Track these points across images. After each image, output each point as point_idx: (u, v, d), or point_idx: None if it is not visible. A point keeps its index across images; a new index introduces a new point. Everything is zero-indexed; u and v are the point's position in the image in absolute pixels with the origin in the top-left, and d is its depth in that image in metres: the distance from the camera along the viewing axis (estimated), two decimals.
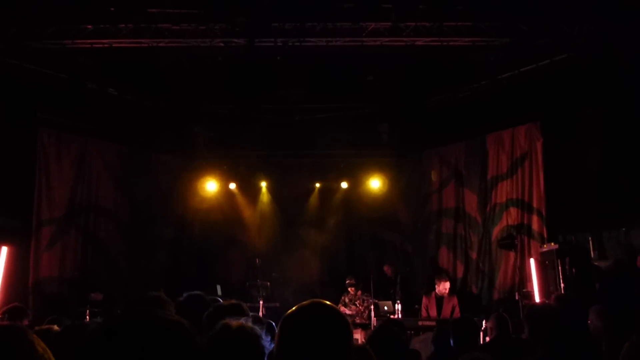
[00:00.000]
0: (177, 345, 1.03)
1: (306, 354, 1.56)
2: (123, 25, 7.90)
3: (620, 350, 2.30)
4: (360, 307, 9.69)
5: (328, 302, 1.70)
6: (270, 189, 12.58)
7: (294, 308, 1.70)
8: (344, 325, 1.64)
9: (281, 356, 1.60)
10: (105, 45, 8.06)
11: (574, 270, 7.96)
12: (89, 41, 8.02)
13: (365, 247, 12.69)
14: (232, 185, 12.40)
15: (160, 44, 8.10)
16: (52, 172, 9.97)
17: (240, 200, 12.56)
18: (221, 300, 4.07)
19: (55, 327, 3.10)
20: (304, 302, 1.71)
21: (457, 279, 11.16)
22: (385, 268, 11.42)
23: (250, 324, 2.31)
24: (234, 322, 2.23)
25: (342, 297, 9.89)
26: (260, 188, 12.56)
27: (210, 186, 12.41)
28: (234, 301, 3.32)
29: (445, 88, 10.78)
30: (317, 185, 12.69)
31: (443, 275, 9.23)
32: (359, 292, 9.86)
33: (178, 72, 9.91)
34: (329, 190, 12.67)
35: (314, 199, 12.73)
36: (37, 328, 3.21)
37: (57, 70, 9.35)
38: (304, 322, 1.63)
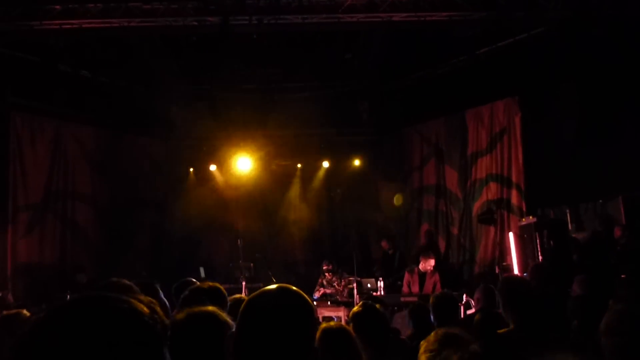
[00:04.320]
0: (130, 334, 0.93)
1: (265, 338, 1.52)
2: (92, 5, 7.69)
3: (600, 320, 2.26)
4: (339, 287, 9.70)
5: (294, 288, 1.66)
6: (251, 169, 12.46)
7: (258, 291, 1.67)
8: (308, 312, 1.61)
9: (240, 338, 1.57)
10: (75, 26, 7.86)
11: (552, 242, 8.08)
12: (57, 22, 7.81)
13: (348, 225, 12.70)
14: (213, 167, 12.28)
15: (132, 24, 7.92)
16: (27, 157, 9.76)
17: (221, 181, 12.44)
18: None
19: (25, 312, 3.03)
20: (270, 286, 1.69)
21: (439, 254, 11.25)
22: (383, 243, 11.31)
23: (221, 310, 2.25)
24: (201, 308, 2.17)
25: (320, 280, 9.84)
26: (240, 169, 12.43)
27: (191, 168, 12.30)
28: (211, 284, 3.17)
29: (424, 64, 10.72)
30: (298, 165, 12.63)
31: (429, 252, 9.29)
32: (336, 277, 9.78)
33: (152, 52, 9.71)
34: (310, 170, 12.62)
35: (295, 179, 12.67)
36: (5, 313, 3.14)
37: (28, 52, 9.10)
38: (266, 305, 1.60)
